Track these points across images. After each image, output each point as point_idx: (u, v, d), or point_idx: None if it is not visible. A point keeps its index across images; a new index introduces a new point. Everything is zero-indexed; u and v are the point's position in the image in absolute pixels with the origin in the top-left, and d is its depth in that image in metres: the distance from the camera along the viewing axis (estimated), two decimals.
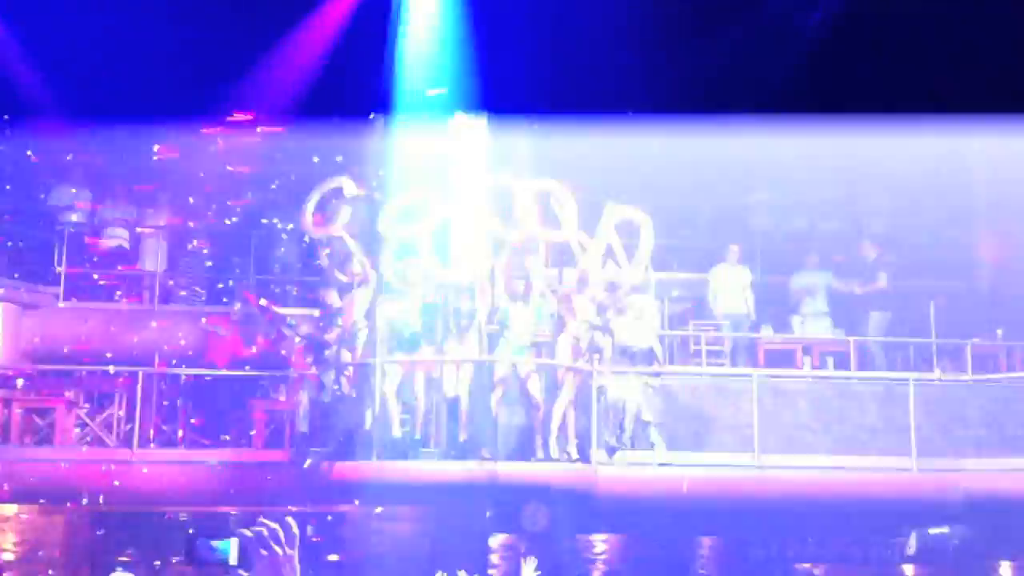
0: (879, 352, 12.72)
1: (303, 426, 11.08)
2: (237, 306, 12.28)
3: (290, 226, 14.26)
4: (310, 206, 11.21)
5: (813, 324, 13.18)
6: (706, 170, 13.70)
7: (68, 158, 14.38)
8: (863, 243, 13.47)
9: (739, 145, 13.00)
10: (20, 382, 11.97)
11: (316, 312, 11.69)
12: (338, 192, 11.45)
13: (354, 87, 13.88)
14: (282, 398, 11.94)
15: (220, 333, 11.77)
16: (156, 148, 14.36)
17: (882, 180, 13.94)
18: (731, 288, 13.03)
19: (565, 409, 10.57)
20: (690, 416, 11.25)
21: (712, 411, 11.35)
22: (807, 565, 11.18)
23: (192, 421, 11.71)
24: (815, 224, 14.51)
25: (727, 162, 13.42)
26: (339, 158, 12.05)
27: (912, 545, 11.17)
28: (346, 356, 10.97)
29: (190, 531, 11.46)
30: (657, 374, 10.95)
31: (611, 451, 10.62)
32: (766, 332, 13.07)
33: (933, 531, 11.16)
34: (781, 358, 12.67)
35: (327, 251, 11.55)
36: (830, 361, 12.78)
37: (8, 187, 14.44)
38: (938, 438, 10.99)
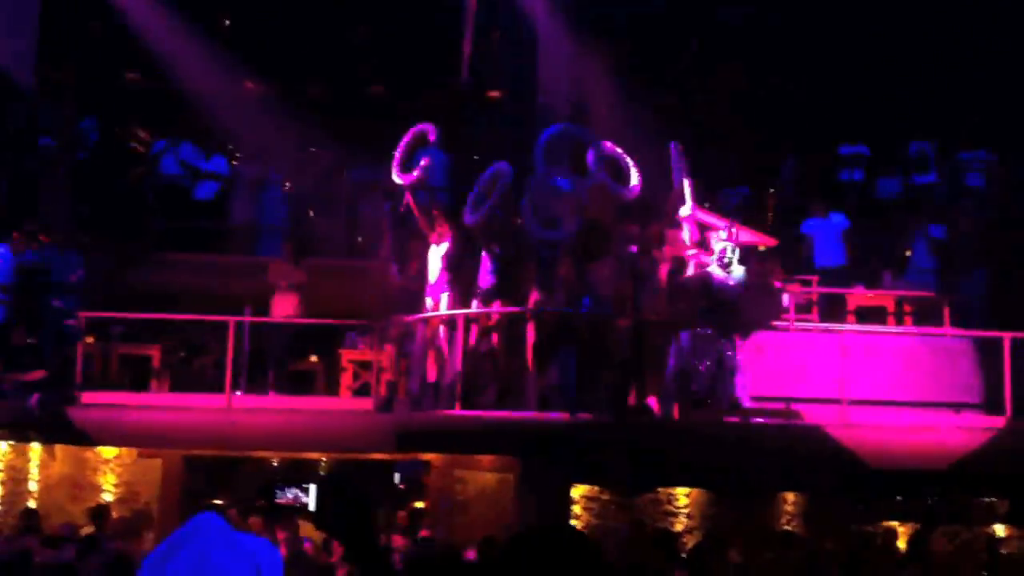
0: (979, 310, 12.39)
1: (390, 375, 11.24)
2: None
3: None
4: (397, 153, 11.28)
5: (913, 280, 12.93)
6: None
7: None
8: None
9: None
10: (115, 330, 12.34)
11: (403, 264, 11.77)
12: (423, 140, 11.51)
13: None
14: (369, 348, 12.12)
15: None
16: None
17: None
18: (826, 240, 12.85)
19: (653, 364, 10.53)
20: (777, 371, 11.12)
21: (799, 366, 11.22)
22: (894, 523, 11.00)
23: (283, 369, 11.96)
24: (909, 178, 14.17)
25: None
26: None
27: (1004, 505, 10.93)
28: (429, 306, 11.06)
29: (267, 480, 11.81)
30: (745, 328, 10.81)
31: (697, 404, 10.55)
32: (857, 287, 12.83)
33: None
34: (873, 313, 12.44)
35: (411, 202, 11.60)
36: (923, 318, 12.51)
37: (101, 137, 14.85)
38: None
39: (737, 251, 10.57)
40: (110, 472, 11.00)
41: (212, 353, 12.23)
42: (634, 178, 10.91)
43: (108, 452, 11.03)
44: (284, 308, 12.15)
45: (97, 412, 10.73)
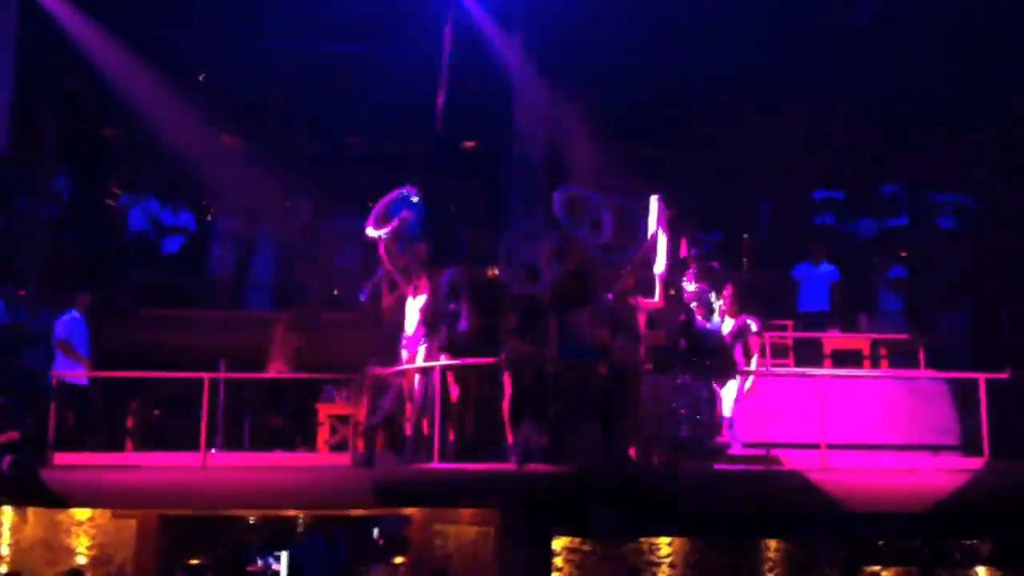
0: (955, 351, 12.47)
1: (367, 429, 11.16)
2: None
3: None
4: (376, 209, 11.32)
5: (885, 322, 13.01)
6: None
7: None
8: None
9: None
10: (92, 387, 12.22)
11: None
12: (403, 199, 11.55)
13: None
14: (346, 402, 12.05)
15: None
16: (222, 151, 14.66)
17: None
18: (814, 287, 12.95)
19: (633, 410, 10.51)
20: (755, 416, 11.12)
21: (778, 410, 11.23)
22: (877, 568, 10.96)
23: (260, 425, 11.88)
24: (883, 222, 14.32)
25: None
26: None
27: (986, 547, 10.91)
28: (405, 359, 11.03)
29: (235, 543, 11.64)
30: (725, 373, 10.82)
31: (678, 451, 10.52)
32: (833, 331, 12.90)
33: (1009, 533, 10.87)
34: (849, 357, 12.49)
35: (391, 255, 11.61)
36: (898, 360, 12.57)
37: (76, 193, 14.83)
38: (1012, 438, 10.70)
39: (716, 297, 10.63)
40: (84, 534, 10.84)
41: (187, 410, 12.12)
42: (607, 223, 10.95)
43: (82, 514, 10.88)
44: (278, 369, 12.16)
45: (71, 473, 10.59)
